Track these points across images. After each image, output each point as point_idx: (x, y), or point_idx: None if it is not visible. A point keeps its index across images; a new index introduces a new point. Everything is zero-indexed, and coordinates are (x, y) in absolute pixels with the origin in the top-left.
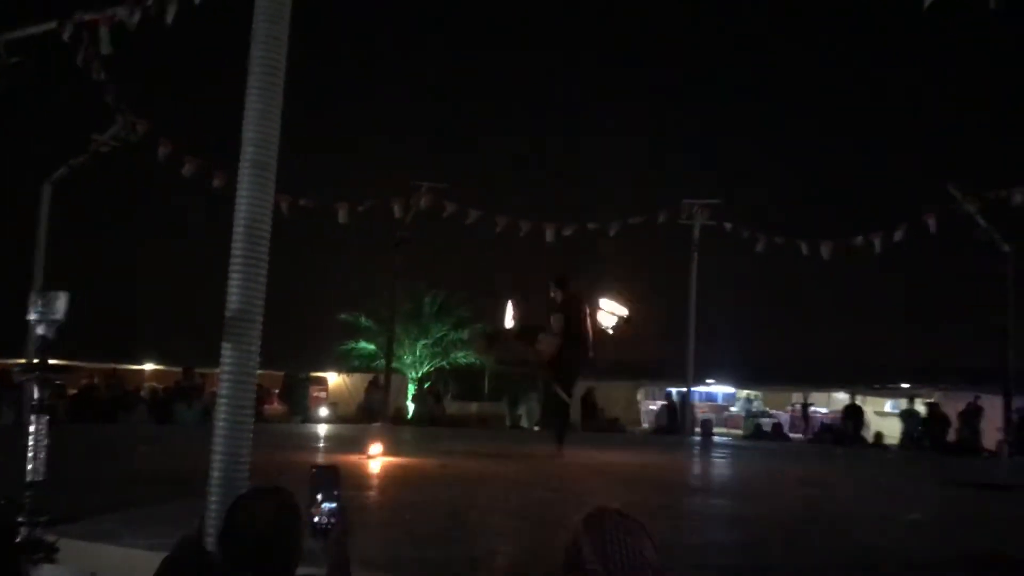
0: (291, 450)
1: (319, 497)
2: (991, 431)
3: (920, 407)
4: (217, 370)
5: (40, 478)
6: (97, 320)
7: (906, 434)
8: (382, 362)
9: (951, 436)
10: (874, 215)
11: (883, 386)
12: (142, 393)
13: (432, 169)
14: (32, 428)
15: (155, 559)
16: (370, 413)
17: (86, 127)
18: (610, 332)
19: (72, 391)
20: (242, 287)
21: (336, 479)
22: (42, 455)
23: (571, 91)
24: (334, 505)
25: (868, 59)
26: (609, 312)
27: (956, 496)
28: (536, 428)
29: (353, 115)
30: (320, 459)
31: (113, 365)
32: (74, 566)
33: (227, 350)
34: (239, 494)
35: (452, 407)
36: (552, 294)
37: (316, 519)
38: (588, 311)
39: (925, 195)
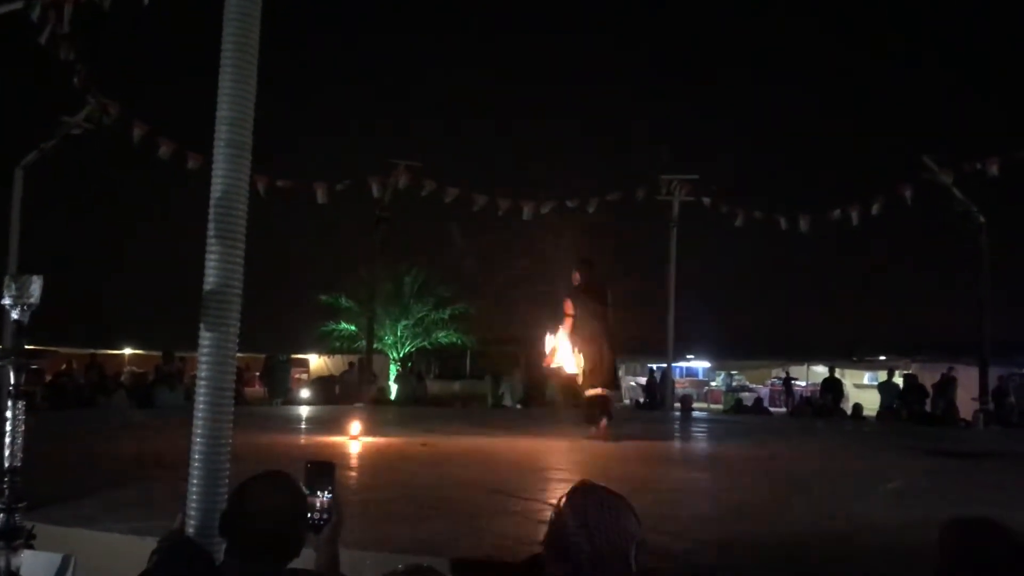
0: (273, 432)
1: (314, 492)
2: (966, 401)
3: (897, 379)
4: (197, 353)
5: (18, 464)
6: (75, 306)
7: (884, 405)
8: (363, 343)
9: (927, 407)
10: (851, 188)
11: (861, 359)
12: (122, 378)
13: (410, 148)
14: (9, 414)
15: (134, 543)
16: (345, 395)
17: (57, 110)
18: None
19: (49, 377)
20: (219, 267)
21: (331, 475)
22: (20, 441)
23: (548, 67)
24: (328, 499)
25: (844, 31)
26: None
27: (934, 465)
28: (519, 406)
29: (330, 94)
30: (302, 440)
31: (92, 350)
32: (52, 553)
33: (205, 331)
34: (243, 481)
35: (434, 387)
36: (575, 277)
37: (309, 514)
38: (610, 299)
39: (901, 168)
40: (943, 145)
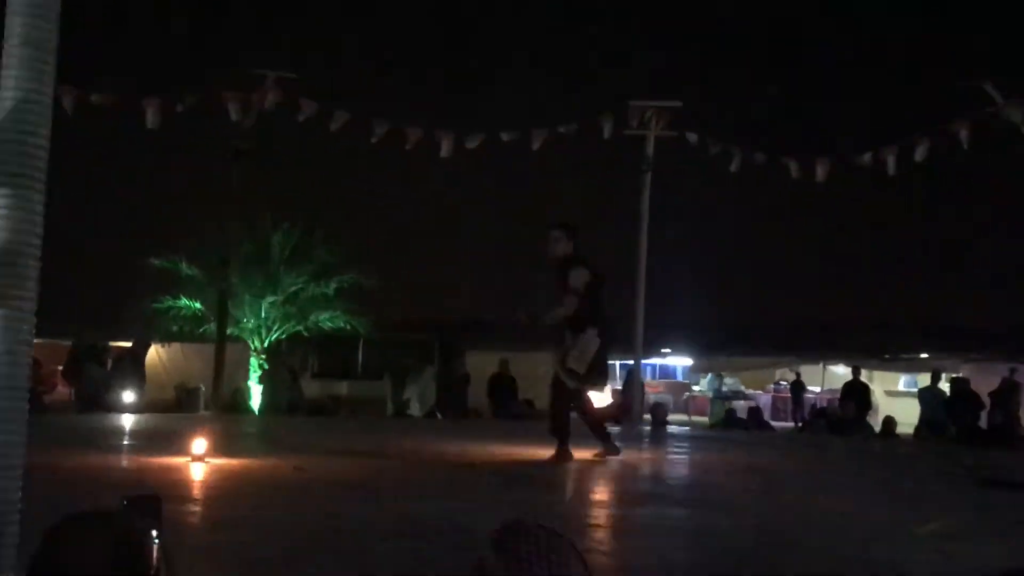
0: (82, 452)
1: None
2: None
3: (944, 384)
4: None
5: None
6: None
7: (925, 419)
8: (212, 327)
9: (983, 421)
10: (888, 126)
11: (895, 356)
12: None
13: (286, 57)
14: None
15: None
16: (82, 403)
17: None
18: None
19: None
20: (9, 218)
21: (156, 513)
22: None
23: None
24: (154, 544)
25: None
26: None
27: (989, 500)
28: (439, 415)
29: None
30: (124, 462)
31: None
32: None
33: None
34: (52, 525)
35: (312, 387)
36: (558, 244)
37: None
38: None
39: (955, 100)
40: (1012, 70)
